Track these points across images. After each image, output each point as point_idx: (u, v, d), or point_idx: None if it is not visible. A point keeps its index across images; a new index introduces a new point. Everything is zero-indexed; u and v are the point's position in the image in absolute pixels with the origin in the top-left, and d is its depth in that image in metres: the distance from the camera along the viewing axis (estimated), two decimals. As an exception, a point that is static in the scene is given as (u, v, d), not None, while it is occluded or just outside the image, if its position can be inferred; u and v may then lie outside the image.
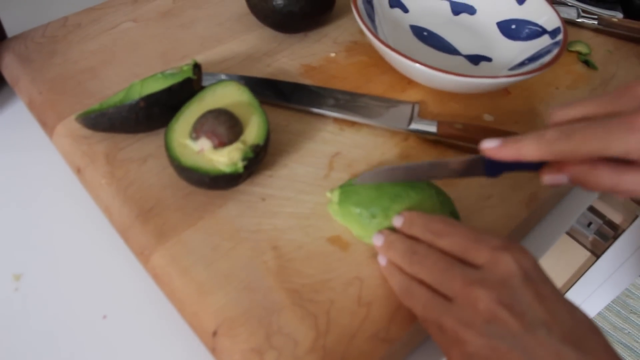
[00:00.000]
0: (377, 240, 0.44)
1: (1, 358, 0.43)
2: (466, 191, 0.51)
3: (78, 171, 0.51)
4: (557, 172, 0.39)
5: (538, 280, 0.37)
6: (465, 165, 0.43)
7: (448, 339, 0.37)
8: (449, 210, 0.47)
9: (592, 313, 1.20)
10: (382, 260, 0.44)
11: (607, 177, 0.36)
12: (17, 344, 0.44)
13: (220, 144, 0.46)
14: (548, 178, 0.40)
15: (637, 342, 1.49)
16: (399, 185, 0.46)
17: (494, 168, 0.42)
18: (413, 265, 0.41)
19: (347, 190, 0.47)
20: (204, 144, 0.46)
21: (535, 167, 0.41)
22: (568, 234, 1.05)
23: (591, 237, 1.01)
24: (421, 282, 0.40)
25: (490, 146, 0.40)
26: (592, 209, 0.99)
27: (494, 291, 0.36)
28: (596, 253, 1.02)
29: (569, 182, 0.39)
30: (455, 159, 0.44)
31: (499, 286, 0.36)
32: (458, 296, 0.37)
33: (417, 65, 0.54)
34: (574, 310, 0.36)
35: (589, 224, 1.00)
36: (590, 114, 0.38)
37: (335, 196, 0.48)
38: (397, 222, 0.44)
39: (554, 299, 0.36)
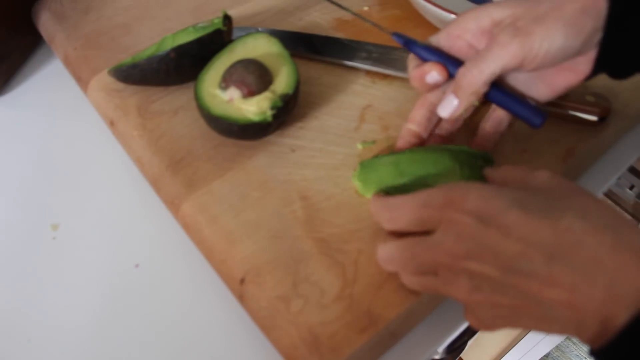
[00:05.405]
0: None
1: (39, 304, 0.44)
2: (499, 145, 0.49)
3: (111, 124, 0.52)
4: None
5: (492, 215, 0.33)
6: None
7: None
8: (479, 177, 0.45)
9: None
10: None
11: None
12: (55, 290, 0.45)
13: (250, 93, 0.45)
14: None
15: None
16: (419, 162, 0.44)
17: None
18: (403, 262, 0.38)
19: (367, 166, 0.46)
20: (233, 93, 0.46)
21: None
22: (608, 197, 1.01)
23: (632, 200, 0.98)
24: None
25: None
26: (633, 171, 0.95)
27: (460, 249, 0.34)
28: (638, 217, 0.98)
29: None
30: None
31: (458, 244, 0.34)
32: (438, 269, 0.35)
33: (453, 16, 0.52)
34: (552, 222, 0.32)
35: (631, 187, 0.97)
36: None
37: (356, 173, 0.46)
38: None
39: (520, 223, 0.32)
